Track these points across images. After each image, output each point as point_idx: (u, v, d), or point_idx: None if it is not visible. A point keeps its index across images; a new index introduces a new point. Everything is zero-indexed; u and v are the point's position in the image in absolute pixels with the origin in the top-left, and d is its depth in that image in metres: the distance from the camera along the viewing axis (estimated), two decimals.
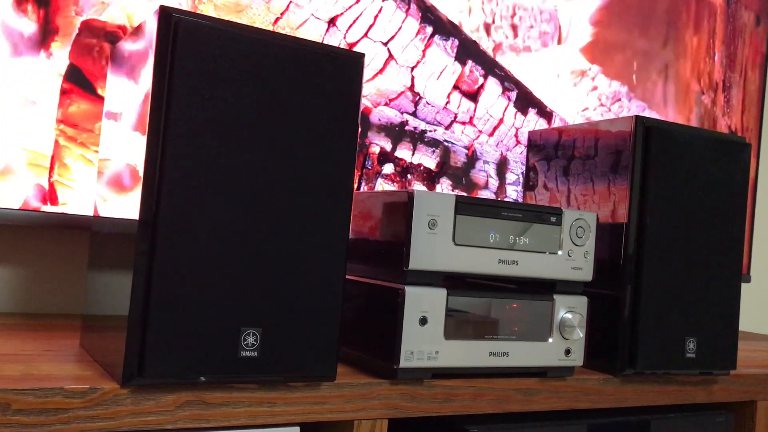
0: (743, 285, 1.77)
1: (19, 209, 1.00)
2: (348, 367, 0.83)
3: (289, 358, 0.70)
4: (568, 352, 0.87)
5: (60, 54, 1.03)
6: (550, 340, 0.86)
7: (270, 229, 0.69)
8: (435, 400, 0.80)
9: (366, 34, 1.25)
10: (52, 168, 1.03)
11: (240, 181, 0.68)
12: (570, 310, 0.87)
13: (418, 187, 1.31)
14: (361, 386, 0.76)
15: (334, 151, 0.73)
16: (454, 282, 0.85)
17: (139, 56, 0.71)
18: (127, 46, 0.77)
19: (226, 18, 1.12)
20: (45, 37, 1.02)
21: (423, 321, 0.77)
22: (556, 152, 1.10)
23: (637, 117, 0.95)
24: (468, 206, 0.80)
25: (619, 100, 1.55)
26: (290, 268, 0.70)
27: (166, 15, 0.66)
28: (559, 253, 0.86)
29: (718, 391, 1.03)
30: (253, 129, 0.69)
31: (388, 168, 1.28)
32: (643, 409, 0.98)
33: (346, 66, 0.74)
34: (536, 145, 1.16)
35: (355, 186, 1.26)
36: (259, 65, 0.69)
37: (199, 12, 1.09)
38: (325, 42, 1.21)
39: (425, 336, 0.77)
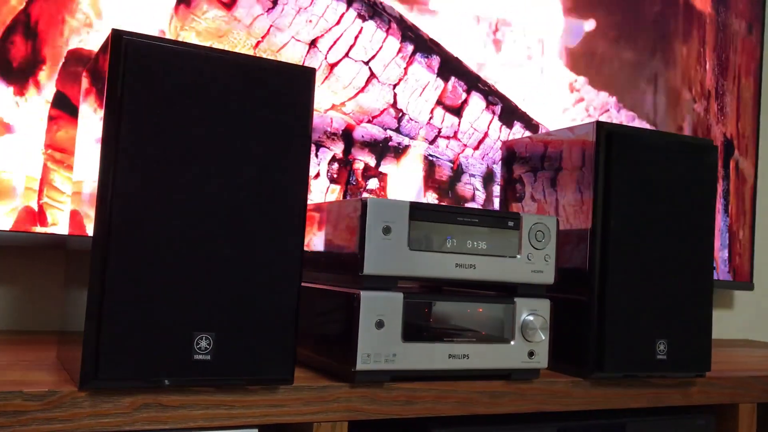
0: (747, 293, 1.76)
1: (9, 230, 1.05)
2: (312, 371, 0.85)
3: (243, 361, 0.73)
4: (531, 354, 0.88)
5: (47, 82, 1.08)
6: (513, 342, 0.87)
7: (222, 238, 0.72)
8: (396, 402, 0.82)
9: (347, 54, 1.29)
10: (41, 191, 1.08)
11: (192, 192, 0.71)
12: (532, 313, 0.88)
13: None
14: (320, 389, 0.79)
15: (287, 162, 0.76)
16: (414, 286, 0.87)
17: (100, 78, 0.76)
18: (91, 69, 0.81)
19: (208, 43, 1.18)
20: (33, 67, 1.08)
21: (380, 324, 0.79)
22: (542, 163, 1.11)
23: (598, 122, 0.96)
24: (422, 212, 0.83)
25: (608, 110, 1.56)
26: (243, 276, 0.73)
27: (117, 37, 0.70)
28: (518, 257, 0.88)
29: (696, 394, 1.03)
30: (205, 142, 0.72)
31: (373, 183, 1.31)
32: (618, 412, 0.99)
33: (296, 80, 0.77)
34: (515, 156, 1.18)
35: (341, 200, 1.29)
36: (210, 82, 0.73)
37: (180, 39, 1.15)
38: (306, 63, 1.25)
39: (382, 339, 0.80)
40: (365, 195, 1.30)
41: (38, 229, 1.07)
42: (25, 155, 1.07)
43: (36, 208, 1.07)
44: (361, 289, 0.80)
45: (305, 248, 0.92)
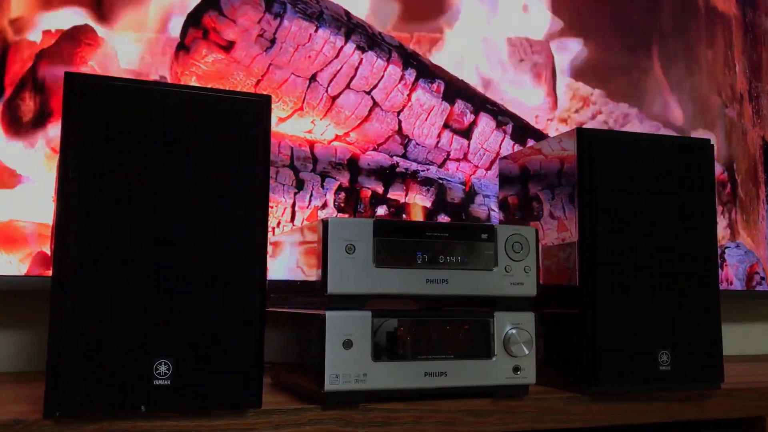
0: None
1: (23, 275, 1.10)
2: (285, 395, 0.85)
3: (206, 385, 0.74)
4: (517, 369, 0.86)
5: (56, 133, 1.14)
6: (494, 358, 0.85)
7: (179, 267, 0.74)
8: (373, 423, 0.81)
9: (348, 86, 1.31)
10: (53, 236, 1.13)
11: (147, 223, 0.74)
12: (515, 327, 0.86)
13: None
14: (291, 412, 0.78)
15: (246, 189, 0.78)
16: (384, 304, 0.86)
17: None
18: None
19: (209, 85, 1.22)
20: (42, 120, 1.14)
21: (347, 344, 0.79)
22: (529, 177, 1.08)
23: (578, 129, 0.94)
24: (387, 229, 0.82)
25: (629, 122, 1.52)
26: (201, 302, 0.74)
27: (70, 79, 0.74)
28: (495, 269, 0.86)
29: (714, 407, 0.97)
30: (160, 174, 0.75)
31: (382, 210, 1.32)
32: (623, 429, 0.94)
33: (250, 109, 0.79)
34: (505, 172, 1.16)
35: None
36: (162, 116, 0.75)
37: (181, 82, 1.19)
38: (307, 97, 1.28)
39: (351, 359, 0.79)
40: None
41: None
42: (37, 203, 1.13)
43: (49, 253, 1.13)
44: (327, 309, 0.79)
45: (281, 276, 0.94)
